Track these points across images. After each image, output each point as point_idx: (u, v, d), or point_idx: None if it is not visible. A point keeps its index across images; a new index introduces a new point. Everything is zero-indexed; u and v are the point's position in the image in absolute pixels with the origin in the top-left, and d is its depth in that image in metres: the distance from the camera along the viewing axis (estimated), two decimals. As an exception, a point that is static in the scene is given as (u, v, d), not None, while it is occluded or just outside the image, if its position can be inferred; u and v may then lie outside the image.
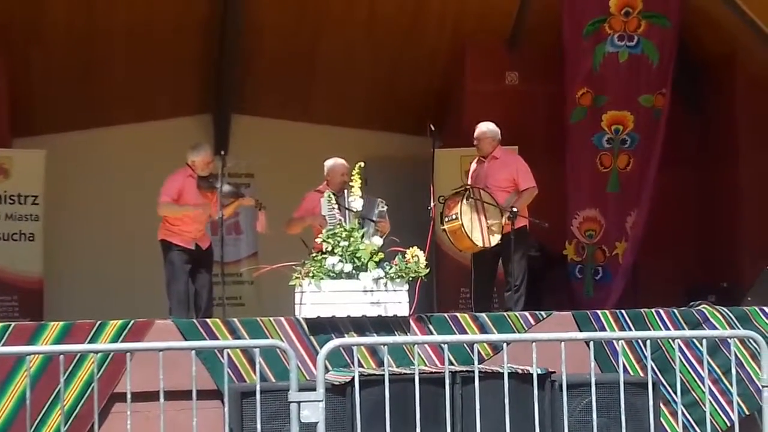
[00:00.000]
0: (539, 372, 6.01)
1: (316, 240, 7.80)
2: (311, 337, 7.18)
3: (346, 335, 7.17)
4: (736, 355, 6.58)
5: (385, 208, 8.25)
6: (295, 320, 7.26)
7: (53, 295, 11.15)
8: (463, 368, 6.65)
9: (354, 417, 5.83)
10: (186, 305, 8.50)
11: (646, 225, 11.18)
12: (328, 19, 11.64)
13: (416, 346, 6.25)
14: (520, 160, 9.14)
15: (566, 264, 11.35)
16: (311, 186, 8.74)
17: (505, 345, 6.04)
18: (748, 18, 10.83)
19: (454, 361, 6.90)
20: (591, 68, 11.15)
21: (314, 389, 5.42)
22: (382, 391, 5.71)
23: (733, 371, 6.27)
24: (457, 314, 7.68)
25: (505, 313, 7.83)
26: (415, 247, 7.54)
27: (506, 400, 5.75)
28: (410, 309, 7.45)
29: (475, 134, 8.97)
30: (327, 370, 6.11)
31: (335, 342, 5.73)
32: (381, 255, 7.46)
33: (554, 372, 6.52)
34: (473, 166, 9.11)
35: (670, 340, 7.20)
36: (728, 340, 6.74)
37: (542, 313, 7.71)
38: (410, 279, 7.43)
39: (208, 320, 7.25)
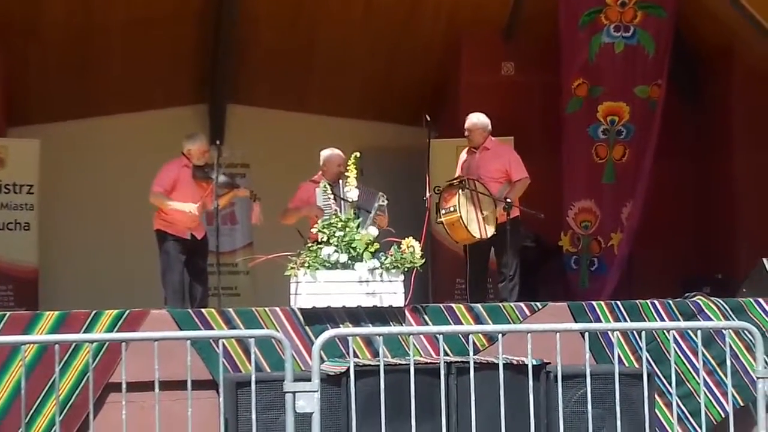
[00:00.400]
0: (534, 363, 6.01)
1: (312, 230, 7.80)
2: (306, 328, 7.18)
3: (341, 325, 7.17)
4: (731, 347, 6.59)
5: (386, 202, 8.26)
6: (290, 310, 7.26)
7: (48, 284, 11.15)
8: (459, 359, 6.65)
9: (349, 407, 5.84)
10: (181, 295, 8.49)
11: (641, 216, 11.18)
12: (324, 9, 11.62)
13: (411, 336, 6.26)
14: (512, 151, 9.16)
15: (561, 255, 11.36)
16: (307, 176, 8.73)
17: (500, 336, 6.05)
18: (746, 10, 10.82)
19: (449, 352, 6.91)
20: (587, 59, 11.14)
21: (309, 379, 5.42)
22: (377, 381, 5.73)
23: (728, 362, 6.29)
24: (453, 305, 7.67)
25: (500, 304, 7.83)
26: (411, 238, 7.54)
27: (501, 391, 5.76)
28: (405, 299, 7.46)
29: (466, 125, 8.96)
30: (322, 361, 6.11)
31: (330, 332, 5.74)
32: (376, 245, 7.46)
33: (549, 363, 6.53)
34: (463, 156, 9.10)
35: (665, 331, 7.20)
36: (723, 331, 6.75)
37: (537, 304, 7.71)
38: (405, 269, 7.43)
39: (203, 310, 7.25)
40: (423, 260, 7.51)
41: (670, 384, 6.63)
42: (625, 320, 7.65)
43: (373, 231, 7.62)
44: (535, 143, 11.19)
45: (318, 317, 7.22)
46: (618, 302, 7.81)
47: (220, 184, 8.54)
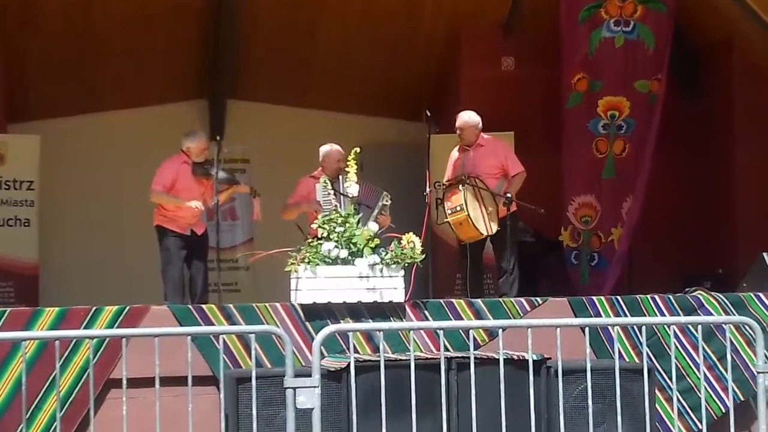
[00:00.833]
0: (535, 358, 6.01)
1: (312, 226, 7.80)
2: (307, 323, 7.18)
3: (341, 321, 7.17)
4: (731, 341, 6.58)
5: (389, 202, 8.25)
6: (290, 306, 7.26)
7: (49, 280, 11.15)
8: (459, 354, 6.66)
9: (349, 403, 5.84)
10: (181, 291, 8.50)
11: (641, 211, 11.18)
12: (324, 4, 11.61)
13: (412, 332, 6.27)
14: (506, 146, 9.18)
15: (562, 250, 11.35)
16: (307, 172, 8.72)
17: (500, 331, 6.07)
18: (745, 3, 10.80)
19: (449, 347, 6.91)
20: (587, 53, 11.12)
21: (310, 375, 5.42)
22: (377, 377, 5.73)
23: (728, 357, 6.29)
24: (453, 300, 7.68)
25: (500, 299, 7.83)
26: (411, 233, 7.54)
27: (502, 386, 5.76)
28: (406, 295, 7.46)
29: (458, 124, 8.94)
30: (323, 356, 6.11)
31: (331, 328, 5.73)
32: (377, 241, 7.46)
33: (550, 358, 6.54)
34: (455, 154, 9.05)
35: (665, 326, 7.21)
36: (723, 326, 6.74)
37: (538, 299, 7.72)
38: (406, 265, 7.43)
39: (203, 306, 7.25)
40: (423, 256, 7.51)
41: (670, 379, 6.63)
42: (626, 315, 7.65)
43: (373, 227, 7.62)
44: (536, 138, 11.19)
45: (318, 313, 7.22)
46: (618, 297, 7.81)
47: (220, 180, 8.54)
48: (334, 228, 7.44)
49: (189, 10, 11.48)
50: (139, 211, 9.35)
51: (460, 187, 8.53)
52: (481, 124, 8.93)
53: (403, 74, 12.27)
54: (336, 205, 7.92)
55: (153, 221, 8.65)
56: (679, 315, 7.69)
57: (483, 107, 9.12)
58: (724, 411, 7.44)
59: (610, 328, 7.22)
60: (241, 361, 6.92)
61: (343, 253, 7.35)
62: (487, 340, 7.28)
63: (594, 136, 11.26)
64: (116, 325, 6.83)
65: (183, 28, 11.60)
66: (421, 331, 7.24)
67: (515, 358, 6.46)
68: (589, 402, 5.94)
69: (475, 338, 6.92)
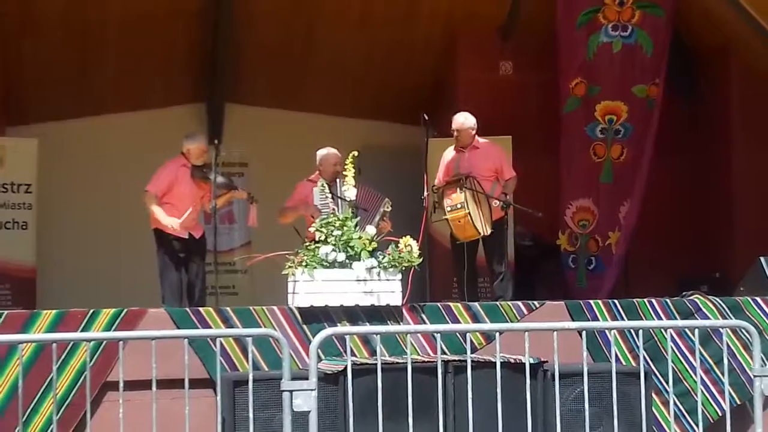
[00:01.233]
0: (532, 361, 6.01)
1: (309, 229, 7.80)
2: (304, 326, 7.18)
3: (338, 324, 7.16)
4: (727, 345, 6.59)
5: (390, 209, 8.26)
6: (287, 309, 7.26)
7: (46, 283, 11.14)
8: (456, 357, 6.65)
9: (346, 406, 5.84)
10: (179, 294, 8.50)
11: (639, 215, 11.20)
12: (321, 8, 11.62)
13: (409, 335, 6.25)
14: (501, 150, 9.22)
15: (559, 254, 11.37)
16: (305, 175, 8.73)
17: (497, 334, 6.05)
18: (743, 9, 10.83)
19: (446, 351, 6.90)
20: (585, 58, 11.16)
21: (307, 378, 5.42)
22: (374, 380, 5.72)
23: (725, 361, 6.28)
24: (450, 304, 7.67)
25: (497, 303, 7.83)
26: (409, 237, 7.54)
27: (498, 390, 5.76)
28: (403, 298, 7.45)
29: (454, 126, 8.96)
30: (320, 359, 6.11)
31: (328, 331, 5.73)
32: (374, 244, 7.46)
33: (546, 361, 6.53)
34: (449, 155, 9.07)
35: (662, 329, 7.20)
36: (720, 329, 6.75)
37: (535, 302, 7.71)
38: (403, 268, 7.43)
39: (200, 309, 7.24)
40: (421, 259, 7.51)
41: (667, 382, 6.63)
42: (623, 319, 7.65)
43: (371, 230, 7.63)
44: (533, 142, 11.20)
45: (315, 316, 7.22)
46: (615, 301, 7.81)
47: (218, 184, 8.55)
48: (332, 231, 7.44)
49: (187, 13, 11.49)
50: (136, 214, 9.34)
51: (459, 190, 8.55)
52: (476, 127, 8.94)
53: (400, 78, 12.28)
54: (333, 209, 7.92)
55: (150, 224, 8.64)
56: (676, 318, 7.69)
57: (481, 111, 9.13)
58: (720, 414, 7.44)
59: (607, 331, 7.22)
60: (238, 364, 6.91)
61: (341, 257, 7.36)
62: (484, 344, 7.28)
63: (592, 141, 11.29)
64: (113, 327, 6.82)
65: (181, 32, 11.61)
66: (418, 335, 7.24)
67: (512, 361, 6.46)
68: (586, 405, 5.93)
69: (472, 341, 6.91)
